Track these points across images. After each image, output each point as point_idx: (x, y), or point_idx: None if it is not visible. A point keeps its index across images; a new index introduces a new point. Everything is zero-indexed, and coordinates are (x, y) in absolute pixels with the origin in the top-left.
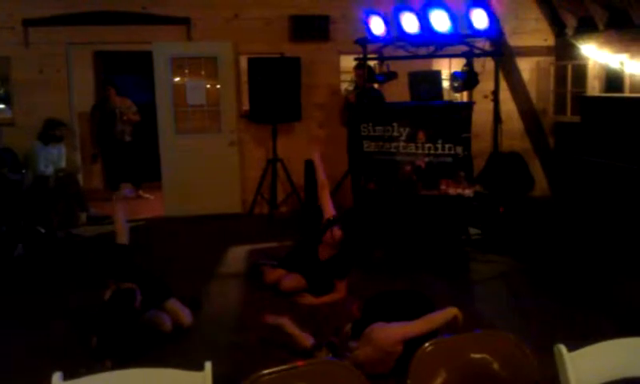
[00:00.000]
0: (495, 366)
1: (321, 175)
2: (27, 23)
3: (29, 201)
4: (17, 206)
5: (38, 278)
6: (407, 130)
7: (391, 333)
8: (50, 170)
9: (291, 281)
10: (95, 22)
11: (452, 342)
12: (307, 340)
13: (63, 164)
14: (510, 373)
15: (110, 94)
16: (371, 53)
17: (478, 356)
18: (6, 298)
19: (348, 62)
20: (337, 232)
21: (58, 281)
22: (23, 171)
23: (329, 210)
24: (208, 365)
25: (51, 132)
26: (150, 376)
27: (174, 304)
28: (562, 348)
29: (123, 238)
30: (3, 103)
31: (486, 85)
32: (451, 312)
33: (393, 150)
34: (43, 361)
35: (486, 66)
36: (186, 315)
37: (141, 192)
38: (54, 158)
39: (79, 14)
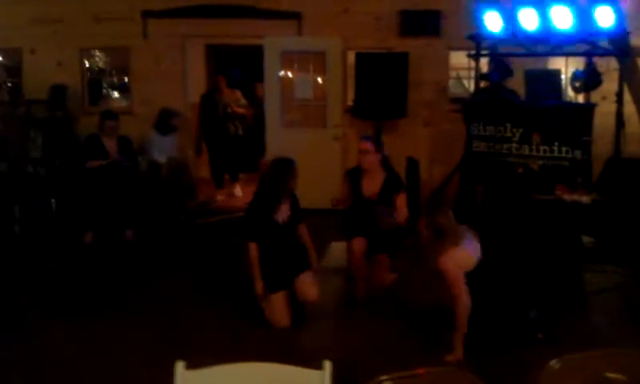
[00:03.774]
0: None
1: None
2: (146, 15)
3: (142, 187)
4: (131, 192)
5: (152, 263)
6: (521, 130)
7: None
8: (163, 159)
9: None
10: (209, 15)
11: (582, 359)
12: None
13: (175, 153)
14: None
15: (220, 85)
16: (485, 49)
17: (611, 375)
18: (124, 282)
19: (457, 59)
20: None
21: (172, 266)
22: (139, 158)
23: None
24: (327, 364)
25: (167, 121)
26: (268, 371)
27: (306, 277)
28: None
29: None
30: (120, 92)
31: (605, 86)
32: None
33: (505, 151)
34: (154, 349)
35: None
36: (313, 289)
37: (236, 184)
38: (167, 147)
39: (195, 6)
